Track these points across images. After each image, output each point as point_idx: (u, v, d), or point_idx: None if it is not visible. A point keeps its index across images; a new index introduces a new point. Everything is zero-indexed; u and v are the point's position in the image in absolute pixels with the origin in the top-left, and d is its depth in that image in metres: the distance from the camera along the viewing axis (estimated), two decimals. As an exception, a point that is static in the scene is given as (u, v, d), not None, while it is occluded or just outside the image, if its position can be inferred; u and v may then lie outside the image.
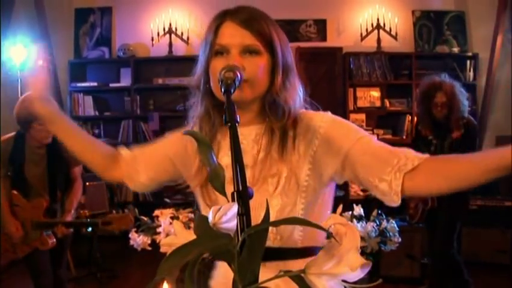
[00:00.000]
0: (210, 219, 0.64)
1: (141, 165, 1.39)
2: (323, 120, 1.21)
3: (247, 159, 1.18)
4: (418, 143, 3.85)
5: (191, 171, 1.29)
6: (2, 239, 3.15)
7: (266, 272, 0.72)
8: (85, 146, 1.43)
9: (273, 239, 1.17)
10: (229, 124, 0.87)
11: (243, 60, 1.16)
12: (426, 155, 1.12)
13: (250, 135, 1.23)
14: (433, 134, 3.66)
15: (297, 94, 1.25)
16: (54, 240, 3.15)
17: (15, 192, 3.15)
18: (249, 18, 1.19)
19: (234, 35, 1.17)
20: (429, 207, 3.63)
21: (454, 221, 3.62)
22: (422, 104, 3.71)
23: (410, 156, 1.11)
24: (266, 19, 1.22)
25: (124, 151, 1.45)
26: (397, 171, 1.10)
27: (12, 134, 3.21)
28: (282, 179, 1.18)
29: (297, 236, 1.19)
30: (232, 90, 1.01)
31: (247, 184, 1.14)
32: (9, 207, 3.11)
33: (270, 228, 1.13)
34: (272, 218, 1.10)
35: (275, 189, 1.18)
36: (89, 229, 3.52)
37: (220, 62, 1.17)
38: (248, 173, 1.18)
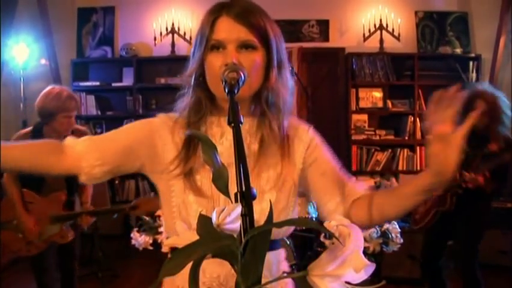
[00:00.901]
0: (214, 220, 0.64)
1: (94, 156, 1.24)
2: (309, 129, 1.32)
3: None
4: None
5: (165, 159, 1.25)
6: (15, 239, 3.12)
7: None
8: (28, 155, 1.26)
9: None
10: (232, 124, 0.87)
11: (240, 56, 1.16)
12: (369, 189, 1.28)
13: (244, 126, 1.20)
14: (469, 144, 3.50)
15: (289, 89, 1.27)
16: (73, 232, 3.19)
17: (25, 190, 3.12)
18: (245, 12, 1.19)
19: (230, 31, 1.18)
20: (446, 209, 3.55)
21: (479, 230, 3.52)
22: (462, 114, 3.57)
23: (359, 187, 1.27)
24: (261, 13, 1.22)
25: (70, 141, 1.28)
26: (347, 196, 1.26)
27: (29, 129, 3.20)
28: (276, 174, 1.21)
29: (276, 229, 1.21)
30: (236, 91, 1.01)
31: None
32: (22, 204, 3.08)
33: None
34: (264, 215, 1.12)
35: (267, 183, 1.20)
36: (115, 216, 3.50)
37: (217, 57, 1.18)
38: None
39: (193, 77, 1.24)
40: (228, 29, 1.18)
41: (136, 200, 3.20)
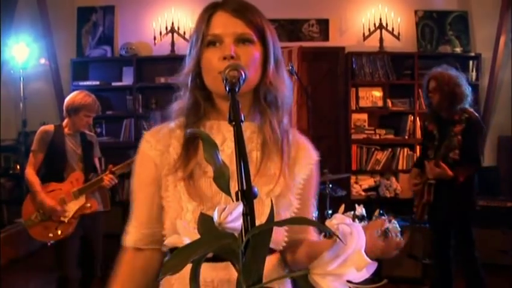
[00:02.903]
0: (215, 218, 0.64)
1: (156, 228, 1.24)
2: (315, 156, 1.30)
3: None
4: (424, 141, 3.81)
5: (163, 169, 1.23)
6: (44, 228, 3.42)
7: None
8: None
9: None
10: (233, 123, 0.86)
11: (237, 49, 1.14)
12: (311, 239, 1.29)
13: (245, 132, 1.20)
14: (437, 128, 3.58)
15: (286, 87, 1.25)
16: (96, 201, 3.54)
17: (48, 182, 3.47)
18: (240, 8, 1.18)
19: (226, 24, 1.16)
20: (424, 200, 3.59)
21: (468, 223, 3.54)
22: (424, 98, 3.68)
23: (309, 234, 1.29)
24: (256, 11, 1.21)
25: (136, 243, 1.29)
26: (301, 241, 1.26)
27: (52, 125, 3.61)
28: (278, 182, 1.19)
29: (282, 239, 1.22)
30: (237, 89, 1.00)
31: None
32: (42, 190, 3.43)
33: None
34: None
35: (269, 192, 1.18)
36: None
37: (214, 52, 1.16)
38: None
39: (190, 77, 1.22)
40: (225, 23, 1.17)
41: None
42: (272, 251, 1.22)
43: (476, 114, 3.57)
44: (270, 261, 1.21)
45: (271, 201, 0.73)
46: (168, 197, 1.21)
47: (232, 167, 1.15)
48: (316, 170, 1.30)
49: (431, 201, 3.55)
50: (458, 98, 3.43)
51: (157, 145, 1.24)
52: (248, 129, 1.22)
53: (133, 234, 1.28)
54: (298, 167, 1.25)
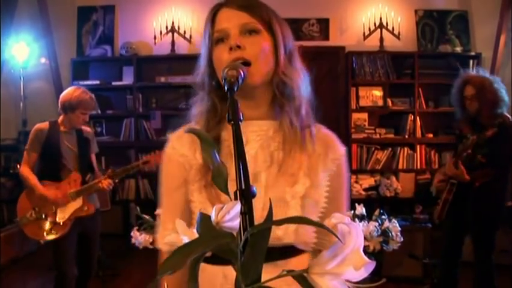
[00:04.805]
0: (213, 217, 0.64)
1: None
2: (342, 151, 1.29)
3: (265, 156, 1.18)
4: (457, 142, 3.72)
5: (192, 174, 1.21)
6: (38, 227, 3.40)
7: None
8: None
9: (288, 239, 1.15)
10: (232, 122, 0.86)
11: (244, 41, 1.13)
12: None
13: (268, 131, 1.21)
14: (470, 130, 3.50)
15: (301, 78, 1.23)
16: (94, 204, 3.52)
17: (44, 181, 3.43)
18: (245, 3, 1.18)
19: (230, 18, 1.16)
20: (444, 198, 3.53)
21: (488, 226, 3.49)
22: (456, 101, 3.57)
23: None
24: (261, 4, 1.21)
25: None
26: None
27: (46, 122, 3.54)
28: (302, 182, 1.17)
29: (311, 240, 1.19)
30: (235, 88, 1.00)
31: (267, 184, 1.15)
32: (39, 184, 3.40)
33: (290, 229, 1.14)
34: (287, 230, 1.12)
35: (295, 193, 1.17)
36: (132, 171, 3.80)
37: (222, 48, 1.15)
38: (264, 174, 1.17)
39: (205, 79, 1.21)
40: (229, 17, 1.17)
41: (146, 156, 3.73)
42: (301, 252, 1.19)
43: None
44: (301, 262, 1.17)
45: (270, 200, 0.73)
46: (194, 202, 1.19)
47: (256, 168, 1.16)
48: (344, 165, 1.27)
49: (450, 200, 3.49)
50: (498, 105, 3.37)
51: (183, 149, 1.22)
52: (271, 128, 1.21)
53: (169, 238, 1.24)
54: (324, 163, 1.22)
